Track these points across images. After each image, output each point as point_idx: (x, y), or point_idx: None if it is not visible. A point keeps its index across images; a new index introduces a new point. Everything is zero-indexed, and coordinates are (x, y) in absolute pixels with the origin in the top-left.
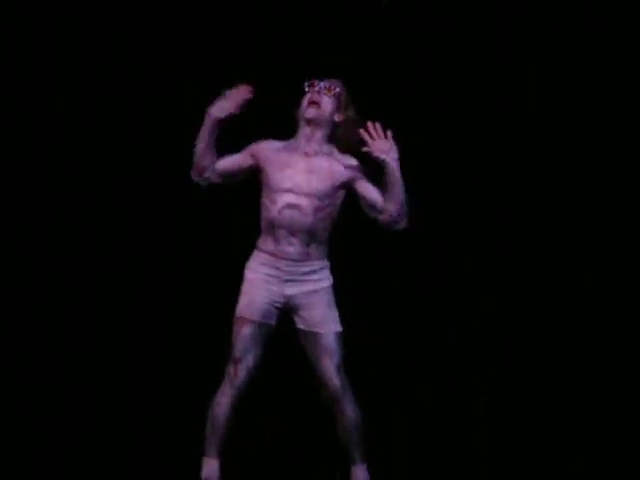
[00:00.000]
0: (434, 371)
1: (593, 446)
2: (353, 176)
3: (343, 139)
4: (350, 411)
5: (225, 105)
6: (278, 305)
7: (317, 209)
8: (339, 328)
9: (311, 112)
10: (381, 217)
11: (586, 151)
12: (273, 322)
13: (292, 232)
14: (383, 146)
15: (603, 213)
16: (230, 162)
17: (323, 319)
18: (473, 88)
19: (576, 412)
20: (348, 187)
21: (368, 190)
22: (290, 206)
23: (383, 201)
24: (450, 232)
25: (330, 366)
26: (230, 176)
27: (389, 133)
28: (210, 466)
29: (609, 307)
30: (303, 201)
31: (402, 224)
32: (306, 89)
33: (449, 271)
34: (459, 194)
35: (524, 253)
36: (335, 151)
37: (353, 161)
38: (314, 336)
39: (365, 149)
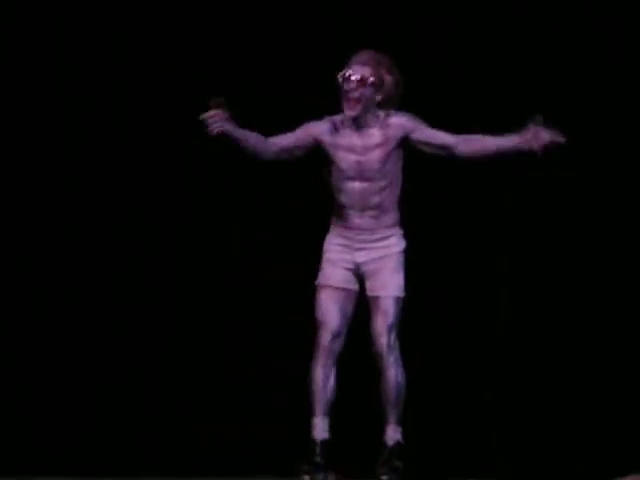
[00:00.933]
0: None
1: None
2: (403, 133)
3: (387, 103)
4: (392, 371)
5: (214, 123)
6: (352, 271)
7: (382, 187)
8: (400, 293)
9: (351, 112)
10: (456, 151)
11: (592, 151)
12: (353, 287)
13: (362, 209)
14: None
15: (606, 212)
16: (287, 140)
17: (386, 283)
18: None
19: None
20: (406, 144)
21: (431, 135)
22: (357, 191)
23: (455, 137)
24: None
25: (382, 325)
26: (289, 152)
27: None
28: (317, 425)
29: (612, 298)
30: (368, 184)
31: (463, 159)
32: (340, 81)
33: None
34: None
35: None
36: (381, 116)
37: (399, 119)
38: (376, 299)
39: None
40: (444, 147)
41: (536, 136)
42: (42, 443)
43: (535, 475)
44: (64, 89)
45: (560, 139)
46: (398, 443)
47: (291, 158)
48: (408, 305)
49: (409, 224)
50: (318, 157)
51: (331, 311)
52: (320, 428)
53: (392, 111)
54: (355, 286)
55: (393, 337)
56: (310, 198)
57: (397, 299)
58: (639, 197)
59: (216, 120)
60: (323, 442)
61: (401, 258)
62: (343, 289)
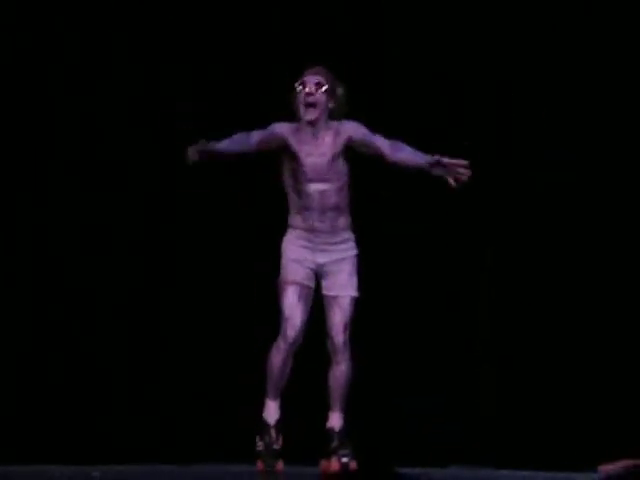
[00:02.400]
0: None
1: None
2: (348, 135)
3: (340, 113)
4: (344, 365)
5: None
6: (313, 271)
7: (339, 188)
8: (355, 294)
9: (310, 114)
10: (380, 152)
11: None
12: (312, 285)
13: (322, 211)
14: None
15: (594, 204)
16: (261, 135)
17: (344, 284)
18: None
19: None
20: (348, 146)
21: (366, 136)
22: (317, 192)
23: (390, 145)
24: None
25: (339, 323)
26: (266, 145)
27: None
28: (269, 407)
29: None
30: (327, 186)
31: (390, 164)
32: (298, 90)
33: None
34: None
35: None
36: (333, 125)
37: (347, 124)
38: (334, 299)
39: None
40: (377, 154)
41: (442, 170)
42: (44, 431)
43: (526, 460)
44: (59, 90)
45: (463, 176)
46: (344, 428)
47: (266, 151)
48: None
49: (400, 214)
50: (275, 162)
51: (296, 307)
52: (274, 410)
53: (343, 120)
54: (313, 284)
55: (348, 334)
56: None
57: (353, 299)
58: (624, 188)
59: (197, 153)
60: (276, 423)
61: (356, 261)
62: (306, 286)
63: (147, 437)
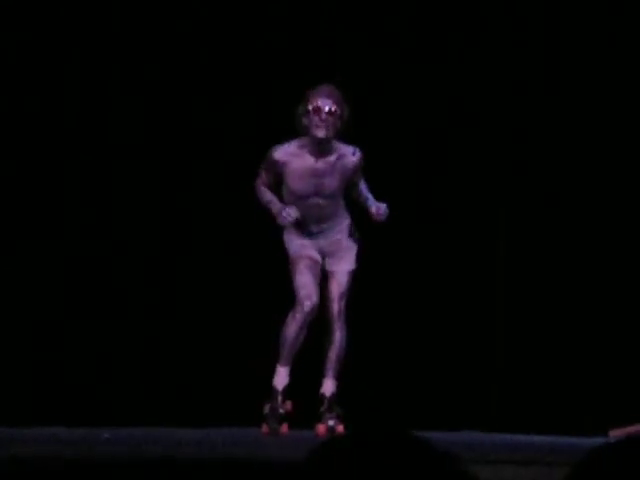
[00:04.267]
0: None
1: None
2: (352, 169)
3: (342, 131)
4: (339, 333)
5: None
6: (318, 251)
7: (336, 201)
8: (352, 267)
9: (321, 133)
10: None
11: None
12: (320, 260)
13: (318, 221)
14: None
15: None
16: (268, 179)
17: (342, 258)
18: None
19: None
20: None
21: (360, 182)
22: (314, 206)
23: (360, 190)
24: None
25: (335, 293)
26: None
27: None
28: (280, 373)
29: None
30: (324, 200)
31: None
32: (310, 109)
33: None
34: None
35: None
36: (338, 146)
37: (353, 157)
38: (332, 273)
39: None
40: (354, 191)
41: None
42: (53, 393)
43: (536, 424)
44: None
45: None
46: (335, 394)
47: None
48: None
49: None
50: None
51: (310, 280)
52: (284, 376)
53: (350, 147)
54: (321, 260)
55: (343, 304)
56: None
57: (350, 272)
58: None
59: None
60: (284, 389)
61: (349, 229)
62: (315, 260)
63: (157, 399)
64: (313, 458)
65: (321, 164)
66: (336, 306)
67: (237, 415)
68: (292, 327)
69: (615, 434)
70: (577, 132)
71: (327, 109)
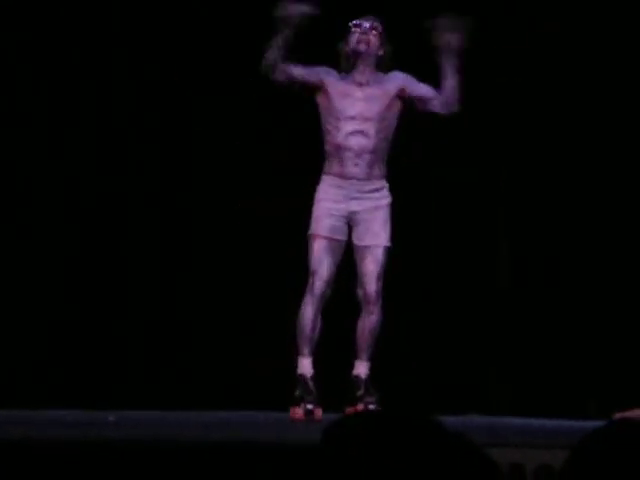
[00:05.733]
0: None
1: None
2: (401, 85)
3: (386, 67)
4: (375, 316)
5: (293, 7)
6: (344, 220)
7: (378, 131)
8: (389, 244)
9: (362, 47)
10: (434, 103)
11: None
12: (342, 237)
13: (357, 154)
14: (451, 37)
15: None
16: (299, 70)
17: (377, 234)
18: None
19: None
20: (401, 97)
21: (418, 88)
22: (355, 132)
23: (434, 92)
24: None
25: (373, 272)
26: (293, 82)
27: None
28: (304, 364)
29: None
30: (366, 126)
31: (454, 108)
32: (352, 29)
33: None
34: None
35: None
36: (380, 74)
37: (398, 74)
38: (366, 248)
39: (439, 40)
40: (429, 100)
41: (447, 40)
42: (60, 376)
43: (541, 408)
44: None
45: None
46: (369, 377)
47: (291, 87)
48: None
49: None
50: (313, 104)
51: (325, 261)
52: (308, 365)
53: (390, 72)
54: (344, 237)
55: (381, 285)
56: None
57: (387, 249)
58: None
59: (296, 12)
60: (312, 377)
61: (389, 210)
62: (336, 240)
63: (163, 382)
64: (328, 439)
65: (362, 91)
66: (373, 286)
67: (244, 398)
68: (306, 313)
69: (620, 418)
70: (574, 132)
71: (368, 25)
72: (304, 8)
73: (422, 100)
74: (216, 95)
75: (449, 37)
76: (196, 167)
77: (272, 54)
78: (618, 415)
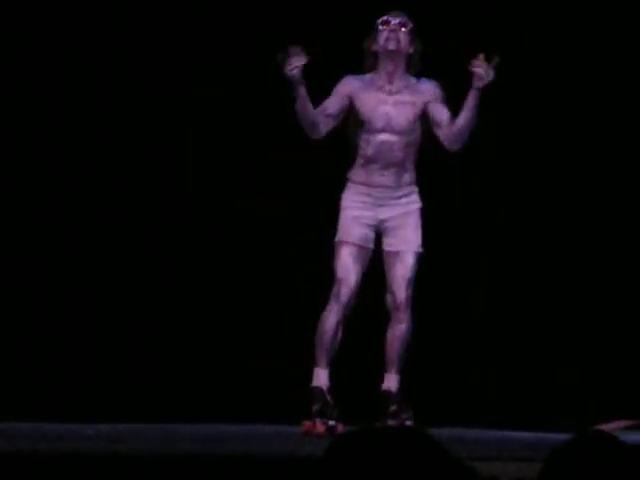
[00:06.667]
0: None
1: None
2: (428, 99)
3: (415, 67)
4: (405, 325)
5: (293, 61)
6: (372, 229)
7: (407, 144)
8: (420, 249)
9: (392, 45)
10: (443, 132)
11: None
12: (370, 245)
13: (385, 166)
14: (484, 71)
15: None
16: (332, 106)
17: (408, 239)
18: None
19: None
20: (425, 109)
21: (438, 110)
22: (384, 144)
23: (449, 121)
24: None
25: (403, 278)
26: (336, 118)
27: (495, 60)
28: (320, 375)
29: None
30: (395, 138)
31: (456, 146)
32: (380, 27)
33: None
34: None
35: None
36: (412, 79)
37: (430, 85)
38: (396, 254)
39: (473, 68)
40: (439, 126)
41: (480, 73)
42: (39, 388)
43: (523, 421)
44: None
45: (494, 63)
46: (400, 390)
47: (337, 124)
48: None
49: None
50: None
51: (351, 268)
52: (324, 378)
53: (423, 78)
54: (372, 245)
55: (410, 292)
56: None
57: (418, 255)
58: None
59: (296, 65)
60: (328, 389)
61: (420, 215)
62: (364, 247)
63: (143, 396)
64: (331, 454)
65: (391, 96)
66: (403, 293)
67: (227, 410)
68: (329, 321)
69: (600, 429)
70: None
71: (398, 21)
72: (301, 59)
73: (435, 123)
74: (214, 94)
75: (484, 69)
76: (196, 169)
77: (304, 119)
78: (599, 427)
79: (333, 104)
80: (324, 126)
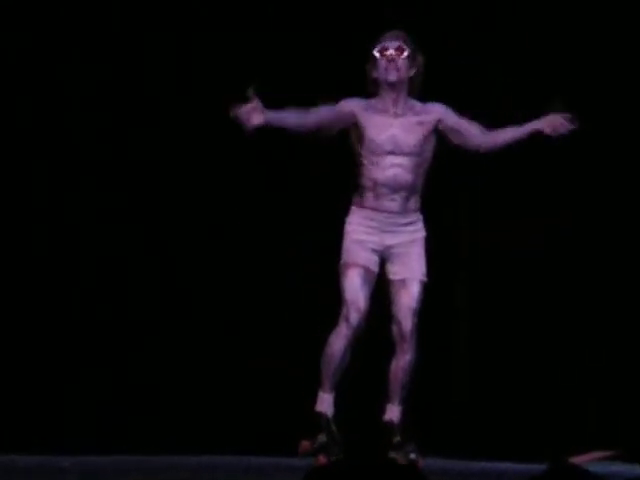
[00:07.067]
0: None
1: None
2: (438, 117)
3: (418, 87)
4: (410, 355)
5: (248, 120)
6: (377, 254)
7: (417, 165)
8: (425, 278)
9: (392, 77)
10: (474, 133)
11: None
12: (376, 269)
13: (395, 190)
14: (561, 124)
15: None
16: (328, 113)
17: (413, 267)
18: None
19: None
20: (437, 129)
21: (458, 120)
22: (393, 166)
23: (477, 126)
24: None
25: (409, 307)
26: (328, 126)
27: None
28: (325, 400)
29: None
30: (404, 160)
31: (488, 148)
32: (377, 55)
33: None
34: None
35: None
36: (416, 103)
37: (435, 106)
38: (402, 282)
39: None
40: (470, 141)
41: (554, 123)
42: (13, 421)
43: (498, 452)
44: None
45: (573, 125)
46: (402, 422)
47: (328, 133)
48: None
49: None
50: (345, 136)
51: (359, 290)
52: (329, 403)
53: (428, 103)
54: (377, 269)
55: (416, 321)
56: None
57: (423, 284)
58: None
59: (250, 114)
60: (332, 417)
61: (424, 244)
62: (369, 269)
63: (117, 428)
64: None
65: (396, 119)
66: (408, 323)
67: (198, 442)
68: (337, 345)
69: (575, 462)
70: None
71: (395, 46)
72: (253, 123)
73: (459, 132)
74: (214, 94)
75: (560, 122)
76: (196, 169)
77: (286, 130)
78: (574, 459)
79: (330, 111)
80: (311, 128)
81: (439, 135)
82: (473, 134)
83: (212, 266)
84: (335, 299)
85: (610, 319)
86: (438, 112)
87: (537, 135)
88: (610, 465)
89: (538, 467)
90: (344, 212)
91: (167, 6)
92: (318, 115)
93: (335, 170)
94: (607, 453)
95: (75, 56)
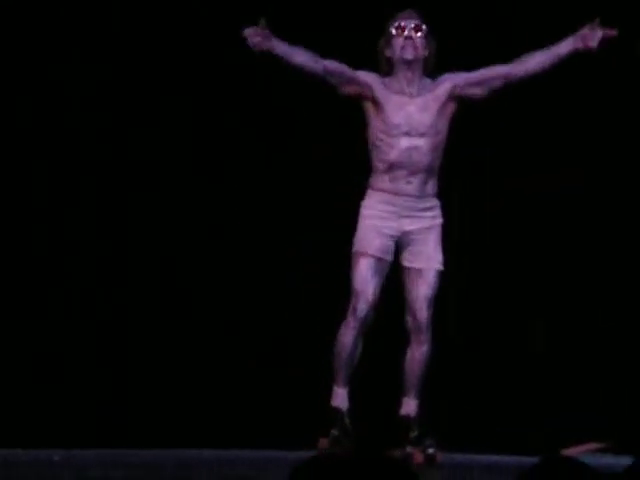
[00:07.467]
0: None
1: None
2: (451, 84)
3: (431, 67)
4: (426, 347)
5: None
6: (393, 240)
7: (433, 147)
8: (442, 267)
9: (409, 55)
10: (504, 69)
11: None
12: (389, 258)
13: (412, 172)
14: (595, 35)
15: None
16: (342, 68)
17: (430, 256)
18: None
19: None
20: (457, 98)
21: (473, 75)
22: (409, 148)
23: (505, 65)
24: None
25: (425, 297)
26: (337, 77)
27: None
28: (339, 395)
29: None
30: (420, 141)
31: (525, 74)
32: (394, 32)
33: None
34: None
35: None
36: (427, 81)
37: (443, 76)
38: (418, 271)
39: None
40: (498, 77)
41: (591, 35)
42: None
43: (490, 444)
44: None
45: (613, 32)
46: (419, 416)
47: (332, 82)
48: None
49: None
50: (362, 118)
51: (369, 281)
52: (343, 397)
53: (438, 77)
54: (391, 257)
55: (432, 312)
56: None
57: (439, 272)
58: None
59: (258, 37)
60: (347, 411)
61: (441, 231)
62: (382, 259)
63: (110, 420)
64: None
65: (411, 97)
66: (424, 313)
67: (186, 436)
68: (346, 337)
69: (567, 453)
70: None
71: (413, 24)
72: (258, 34)
73: (480, 81)
74: (214, 94)
75: (594, 34)
76: (195, 170)
77: (293, 66)
78: (566, 450)
79: (344, 68)
80: (319, 71)
81: (462, 103)
82: (496, 72)
83: (212, 265)
84: (335, 299)
85: (609, 316)
86: (448, 79)
87: (574, 54)
88: (602, 457)
89: (530, 460)
90: (344, 212)
91: (167, 6)
92: (332, 65)
93: (335, 170)
94: (599, 445)
95: (75, 56)
